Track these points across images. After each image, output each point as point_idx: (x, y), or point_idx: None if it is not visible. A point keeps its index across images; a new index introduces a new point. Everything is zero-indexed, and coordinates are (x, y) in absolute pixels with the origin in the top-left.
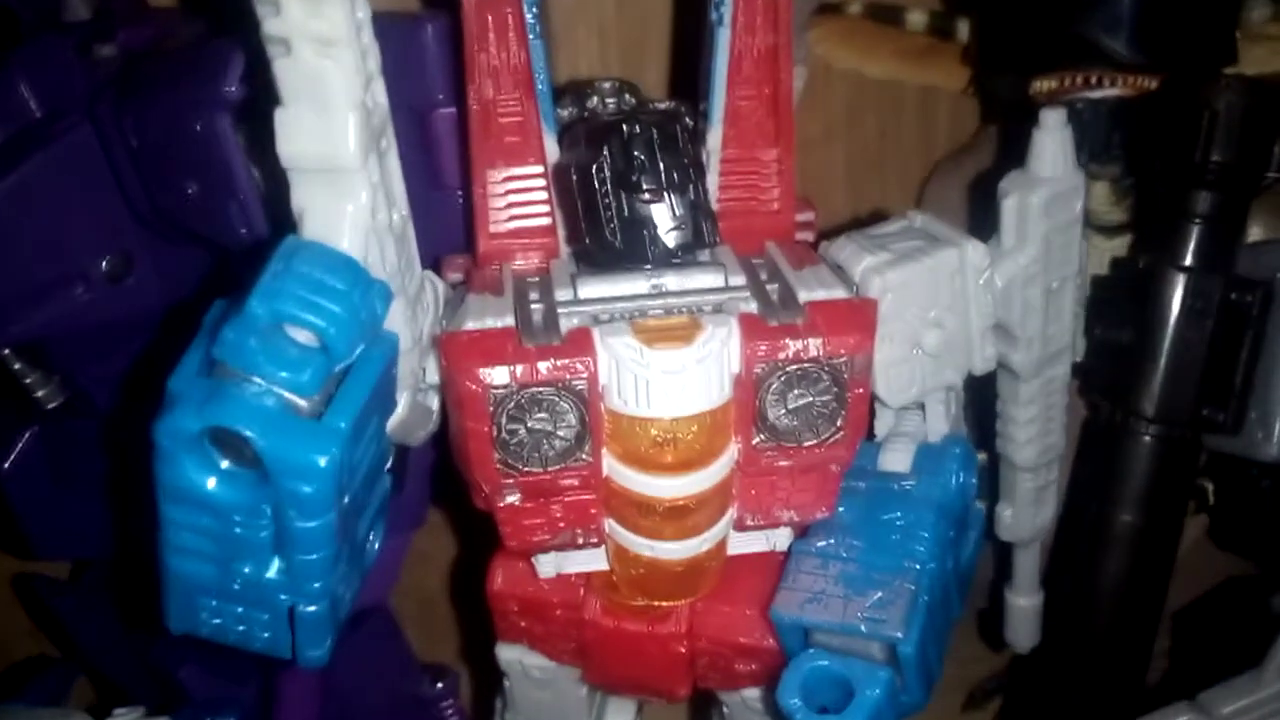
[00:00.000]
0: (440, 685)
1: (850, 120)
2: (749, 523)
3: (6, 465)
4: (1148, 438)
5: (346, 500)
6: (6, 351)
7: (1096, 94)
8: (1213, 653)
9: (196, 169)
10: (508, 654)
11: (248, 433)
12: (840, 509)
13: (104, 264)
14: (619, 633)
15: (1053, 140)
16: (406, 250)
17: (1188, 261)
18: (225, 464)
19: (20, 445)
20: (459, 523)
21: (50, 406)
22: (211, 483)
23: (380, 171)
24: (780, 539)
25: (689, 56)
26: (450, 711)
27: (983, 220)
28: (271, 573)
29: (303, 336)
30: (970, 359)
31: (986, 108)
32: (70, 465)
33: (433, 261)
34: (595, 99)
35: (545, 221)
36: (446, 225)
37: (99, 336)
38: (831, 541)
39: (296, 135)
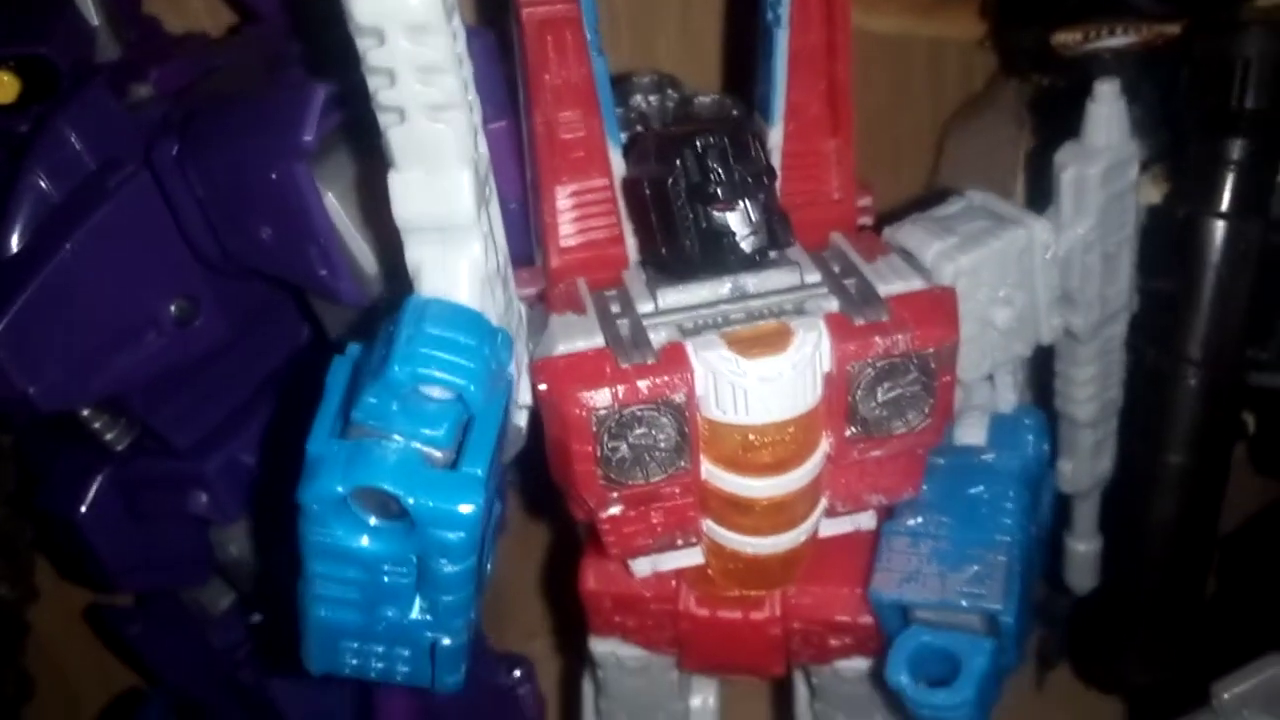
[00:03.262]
0: (517, 673)
1: (859, 77)
2: (839, 510)
3: (84, 510)
4: (1193, 381)
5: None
6: None
7: (1119, 41)
8: (1261, 575)
9: (272, 215)
10: (602, 647)
11: (395, 491)
12: (924, 487)
13: (172, 309)
14: (715, 622)
15: (1107, 110)
16: (508, 288)
17: (1225, 208)
18: (372, 520)
19: (94, 489)
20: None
21: (120, 448)
22: (363, 540)
23: (488, 220)
24: (865, 520)
25: (699, 32)
26: (528, 698)
27: (1036, 187)
28: (415, 614)
29: (436, 392)
30: (1039, 331)
31: (1006, 59)
32: (142, 502)
33: None
34: (638, 95)
35: (614, 233)
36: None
37: (170, 378)
38: (920, 520)
39: (413, 197)
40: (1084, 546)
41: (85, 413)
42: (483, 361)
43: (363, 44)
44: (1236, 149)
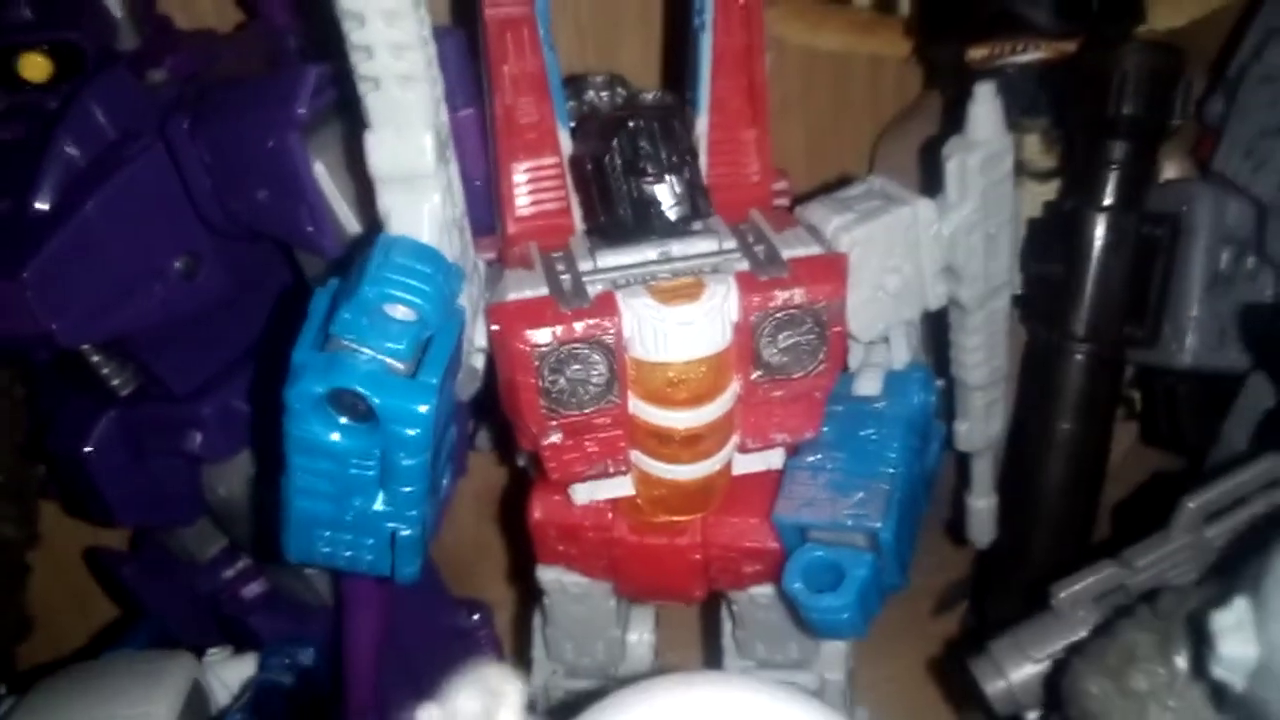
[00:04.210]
0: (476, 617)
1: (806, 91)
2: (750, 445)
3: (89, 448)
4: (1079, 355)
5: (434, 441)
6: (87, 346)
7: (1023, 58)
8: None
9: (268, 179)
10: (548, 575)
11: (363, 391)
12: (824, 429)
13: (178, 264)
14: (644, 547)
15: (985, 109)
16: (465, 237)
17: (1107, 202)
18: (343, 419)
19: (99, 428)
20: (473, 477)
21: (125, 393)
22: (335, 435)
23: (447, 176)
24: (775, 459)
25: (656, 44)
26: (485, 639)
27: (931, 177)
28: (378, 505)
29: (400, 313)
30: (925, 298)
31: (928, 74)
32: (142, 442)
33: None
34: (591, 91)
35: (562, 205)
36: (471, 210)
37: (174, 328)
38: (819, 457)
39: (384, 152)
40: (982, 503)
41: (95, 358)
42: (438, 288)
43: (347, 26)
44: (1115, 150)
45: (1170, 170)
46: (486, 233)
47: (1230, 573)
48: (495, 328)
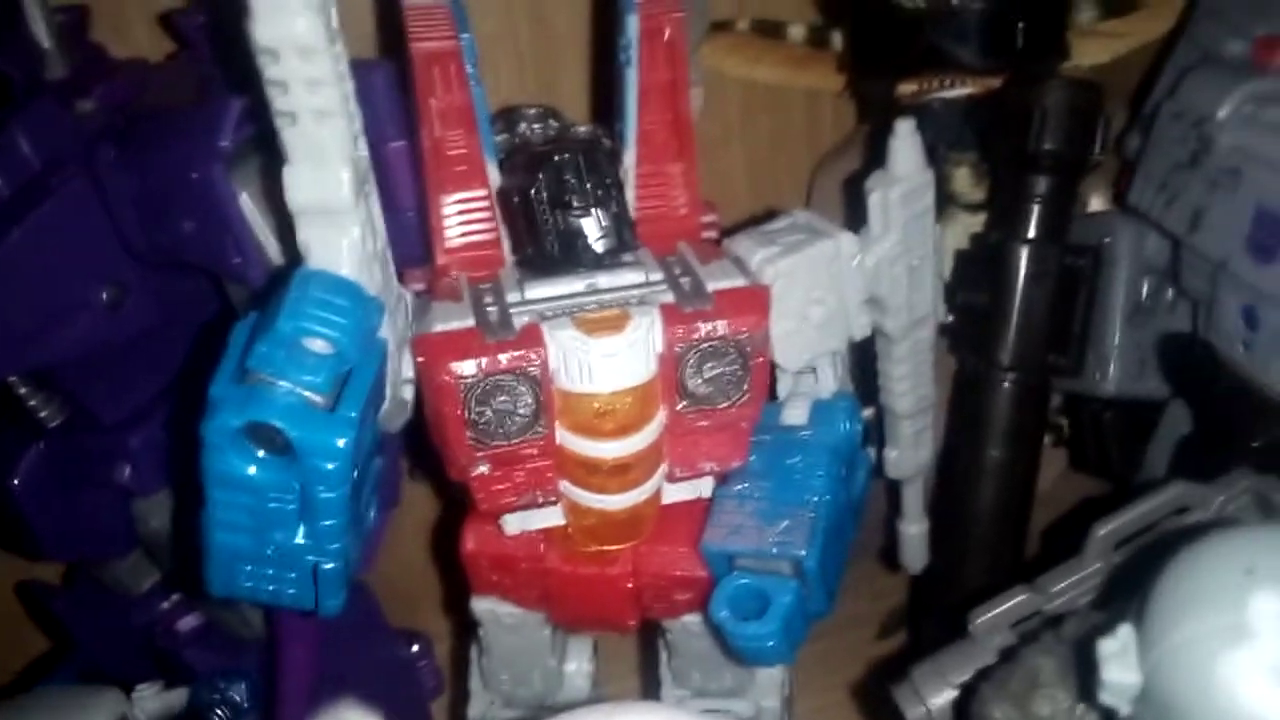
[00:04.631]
0: (416, 648)
1: (745, 122)
2: (678, 475)
3: (16, 481)
4: (1006, 384)
5: (355, 474)
6: (13, 377)
7: (951, 94)
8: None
9: (193, 210)
10: (482, 605)
11: (280, 425)
12: (751, 458)
13: (104, 294)
14: (576, 577)
15: (905, 144)
16: (387, 270)
17: (1030, 235)
18: (261, 453)
19: (26, 461)
20: (417, 509)
21: (53, 425)
22: (253, 468)
23: (366, 210)
24: (704, 487)
25: (596, 74)
26: (426, 670)
27: (856, 209)
28: (299, 538)
29: (318, 346)
30: (849, 328)
31: (861, 108)
32: (71, 475)
33: (396, 274)
34: (523, 123)
35: (491, 236)
36: (402, 241)
37: (100, 358)
38: (746, 485)
39: (302, 187)
40: (914, 529)
41: (21, 390)
42: (357, 321)
43: (261, 61)
44: (1038, 184)
45: (1093, 203)
46: (420, 264)
47: (1120, 598)
48: (420, 359)
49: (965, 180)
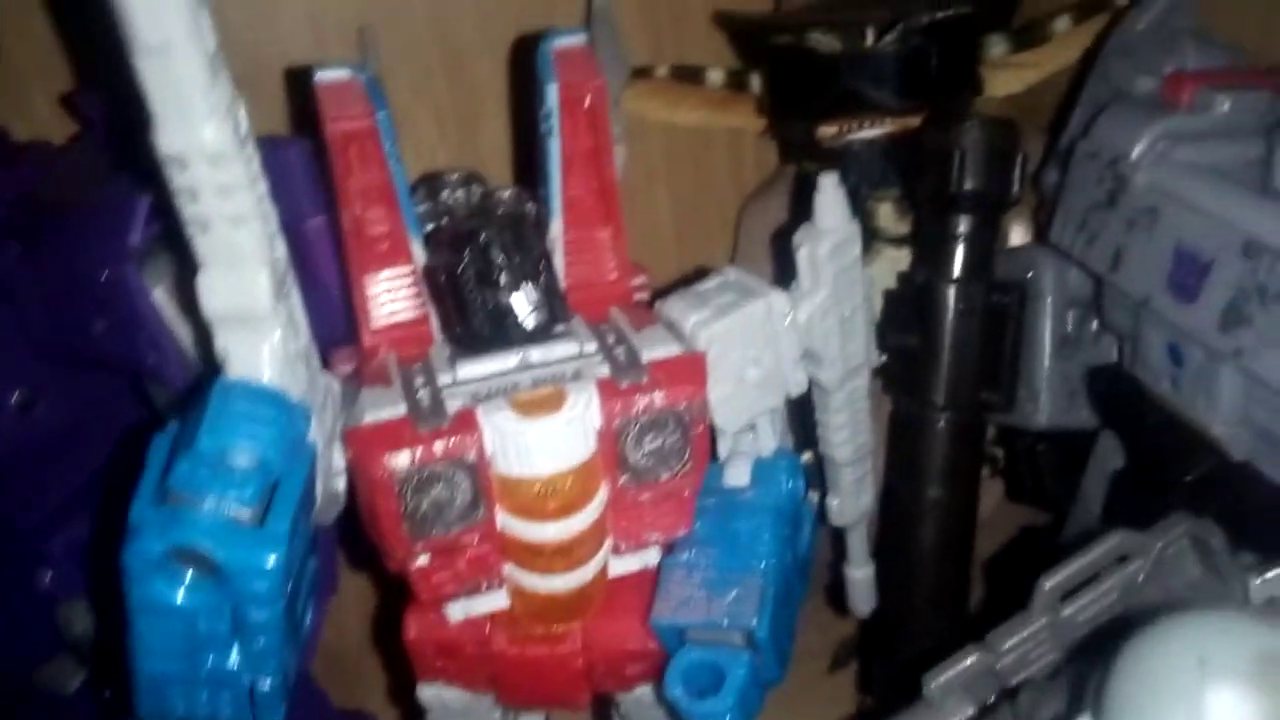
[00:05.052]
0: None
1: (669, 165)
2: (623, 548)
3: None
4: (941, 423)
5: (289, 587)
6: None
7: (870, 134)
8: (1018, 591)
9: (104, 310)
10: (428, 692)
11: (206, 547)
12: (696, 524)
13: (13, 398)
14: (524, 659)
15: (830, 198)
16: (312, 366)
17: (955, 274)
18: (188, 576)
19: None
20: (358, 585)
21: None
22: (180, 595)
23: (287, 310)
24: (650, 557)
25: (516, 126)
26: None
27: (784, 263)
28: (233, 659)
29: (243, 460)
30: (786, 385)
31: (783, 147)
32: None
33: (321, 354)
34: (446, 191)
35: (419, 314)
36: (327, 319)
37: (14, 461)
38: (692, 553)
39: (218, 294)
40: (860, 573)
41: None
42: (282, 430)
43: (169, 171)
44: (960, 224)
45: (1014, 236)
46: (346, 342)
47: (1078, 680)
48: (352, 453)
49: (889, 215)
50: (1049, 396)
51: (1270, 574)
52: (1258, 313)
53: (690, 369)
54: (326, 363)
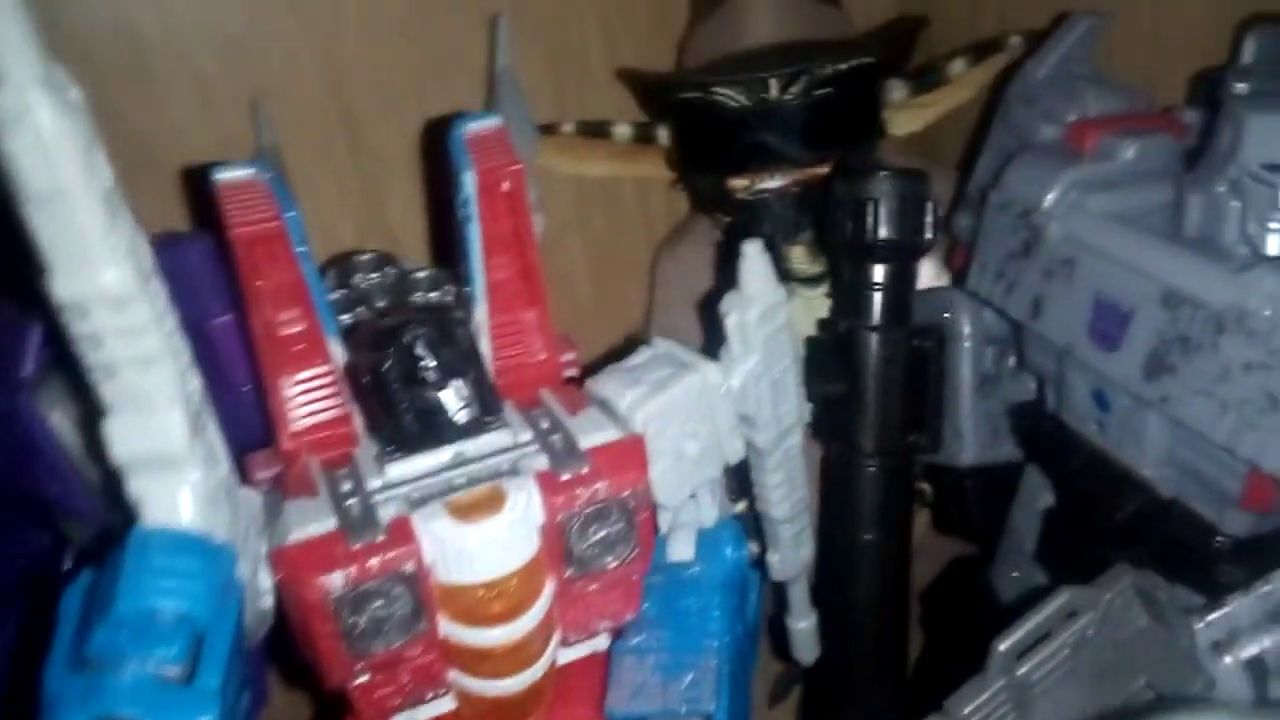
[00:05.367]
0: None
1: (580, 217)
2: (572, 639)
3: None
4: (871, 469)
5: None
6: None
7: (779, 184)
8: (951, 620)
9: (1, 443)
10: None
11: (133, 715)
12: (645, 605)
13: None
14: None
15: (755, 265)
16: (234, 497)
17: (876, 322)
18: None
19: None
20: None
21: None
22: None
23: (204, 445)
24: (600, 642)
25: (425, 190)
26: None
27: (711, 331)
28: None
29: (167, 613)
30: (724, 454)
31: (693, 198)
32: None
33: (236, 459)
34: (359, 274)
35: (341, 414)
36: (241, 421)
37: None
38: (643, 637)
39: (127, 440)
40: (802, 624)
41: None
42: (207, 581)
43: (67, 318)
44: (878, 273)
45: (923, 276)
46: (261, 444)
47: None
48: (281, 576)
49: (801, 258)
50: (973, 434)
51: (1213, 616)
52: (1181, 362)
53: (631, 454)
54: (243, 470)
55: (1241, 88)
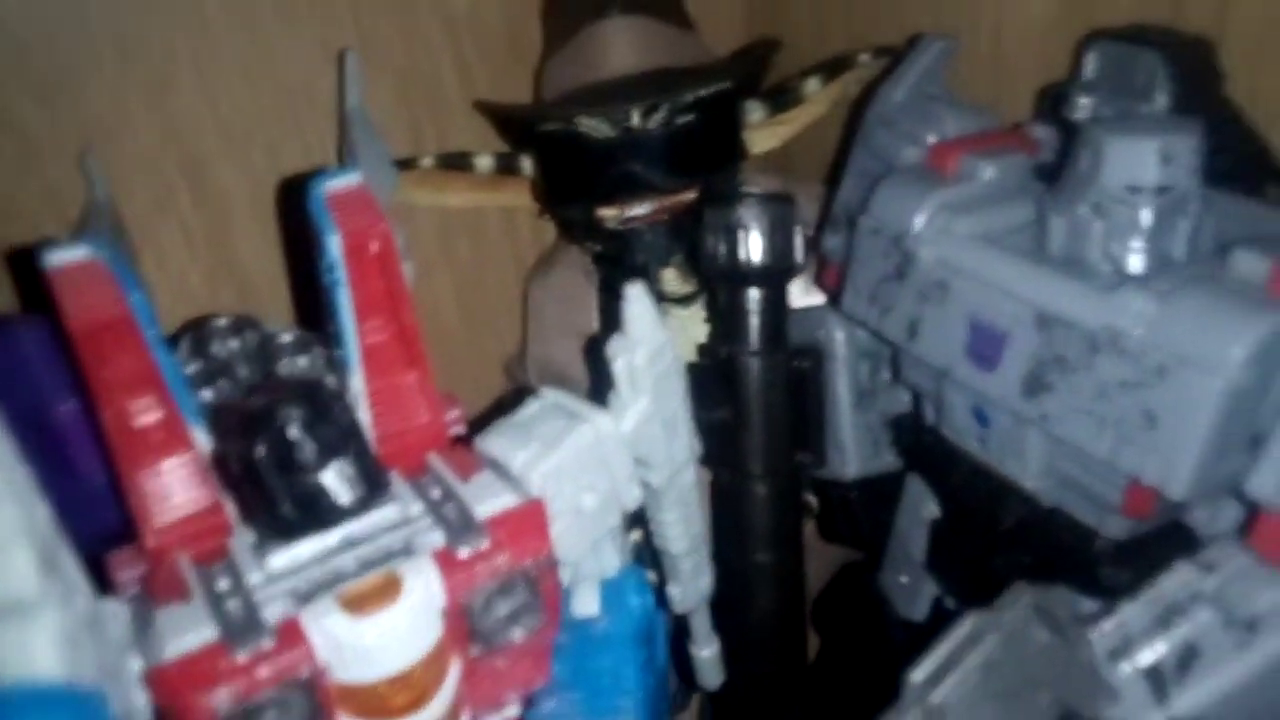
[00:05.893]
0: None
1: (445, 249)
2: (482, 714)
3: None
4: (761, 491)
5: None
6: None
7: (647, 211)
8: (844, 625)
9: None
10: None
11: None
12: (555, 668)
13: None
14: None
15: (639, 308)
16: (98, 628)
17: (755, 348)
18: None
19: None
20: None
21: None
22: None
23: (60, 581)
24: (510, 712)
25: (277, 236)
26: None
27: (598, 374)
28: None
29: None
30: (622, 502)
31: (562, 228)
32: None
33: (92, 560)
34: (216, 341)
35: (210, 503)
36: (94, 515)
37: None
38: (556, 701)
39: None
40: (706, 652)
41: None
42: None
43: None
44: (752, 298)
45: (794, 294)
46: (118, 538)
47: None
48: (159, 697)
49: (673, 279)
50: (855, 448)
51: (1106, 625)
52: (1058, 380)
53: (530, 520)
54: (102, 572)
55: (1085, 103)
